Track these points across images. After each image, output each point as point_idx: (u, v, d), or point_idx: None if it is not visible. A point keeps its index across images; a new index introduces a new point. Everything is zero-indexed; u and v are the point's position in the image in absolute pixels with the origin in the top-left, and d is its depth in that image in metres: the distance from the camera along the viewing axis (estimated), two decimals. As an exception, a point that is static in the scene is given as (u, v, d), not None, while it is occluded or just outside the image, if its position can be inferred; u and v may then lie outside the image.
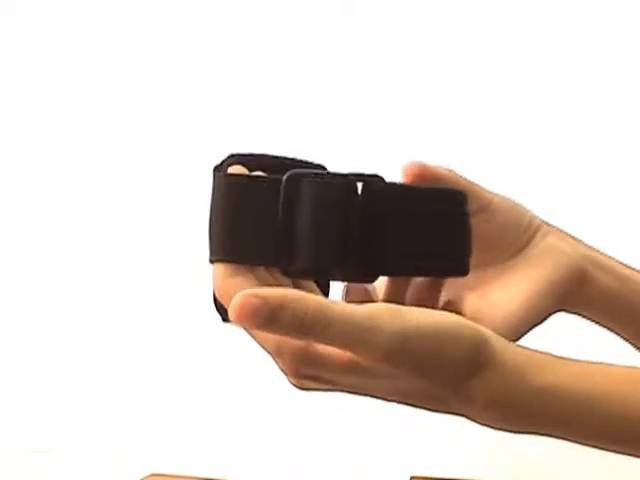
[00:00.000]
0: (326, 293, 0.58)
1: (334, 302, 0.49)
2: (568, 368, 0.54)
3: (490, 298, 0.60)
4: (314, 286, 0.57)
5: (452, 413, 0.53)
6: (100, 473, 1.68)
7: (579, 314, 0.64)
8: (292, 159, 0.58)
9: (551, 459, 1.50)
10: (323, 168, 0.59)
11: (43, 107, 1.73)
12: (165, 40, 1.70)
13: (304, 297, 0.48)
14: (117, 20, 1.72)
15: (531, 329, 0.60)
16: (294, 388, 0.56)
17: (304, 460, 1.62)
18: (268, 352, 0.53)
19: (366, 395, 0.54)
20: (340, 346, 0.49)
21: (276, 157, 0.58)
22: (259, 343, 0.54)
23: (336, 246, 0.53)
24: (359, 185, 0.54)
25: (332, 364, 0.51)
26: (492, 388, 0.52)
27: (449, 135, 1.59)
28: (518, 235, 0.62)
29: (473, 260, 0.60)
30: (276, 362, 0.54)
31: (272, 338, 0.51)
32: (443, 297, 0.61)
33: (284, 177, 0.53)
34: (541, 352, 0.54)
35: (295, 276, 0.55)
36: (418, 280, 0.60)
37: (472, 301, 0.60)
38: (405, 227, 0.54)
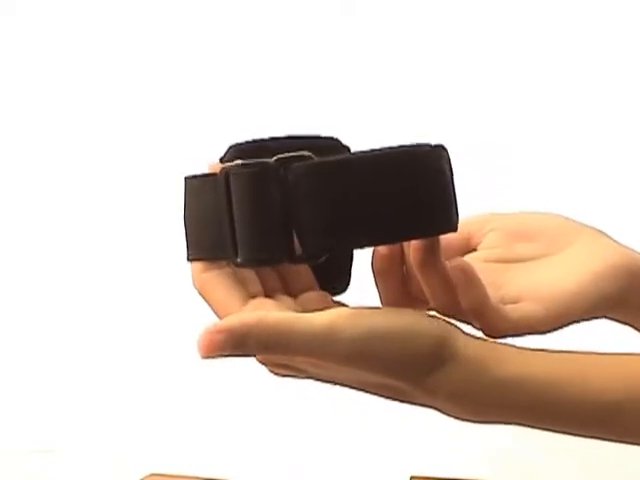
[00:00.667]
0: (323, 271, 0.58)
1: (294, 317, 0.51)
2: (528, 357, 0.55)
3: (543, 278, 0.59)
4: (303, 269, 0.58)
5: (417, 404, 0.54)
6: (100, 473, 1.68)
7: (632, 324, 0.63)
8: (292, 136, 0.59)
9: (551, 459, 1.50)
10: (333, 139, 0.59)
11: (43, 107, 1.73)
12: (165, 41, 1.70)
13: (263, 320, 0.51)
14: (117, 20, 1.72)
15: (585, 316, 0.58)
16: (273, 376, 0.57)
17: (304, 460, 1.63)
18: None
19: (335, 384, 0.55)
20: (304, 357, 0.51)
21: (276, 138, 0.58)
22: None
23: (268, 234, 0.54)
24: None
25: (300, 360, 0.52)
26: (453, 381, 0.52)
27: (449, 134, 1.59)
28: (566, 232, 0.61)
29: (526, 250, 0.60)
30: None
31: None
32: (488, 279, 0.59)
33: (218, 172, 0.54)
34: (504, 344, 0.55)
35: (243, 266, 0.55)
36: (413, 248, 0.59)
37: (522, 281, 0.59)
38: (337, 202, 0.52)
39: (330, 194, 0.52)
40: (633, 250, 0.61)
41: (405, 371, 0.52)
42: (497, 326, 0.55)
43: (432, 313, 0.55)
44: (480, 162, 1.55)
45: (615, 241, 0.61)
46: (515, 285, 0.58)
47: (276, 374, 0.57)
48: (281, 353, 0.51)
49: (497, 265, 0.60)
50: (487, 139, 1.59)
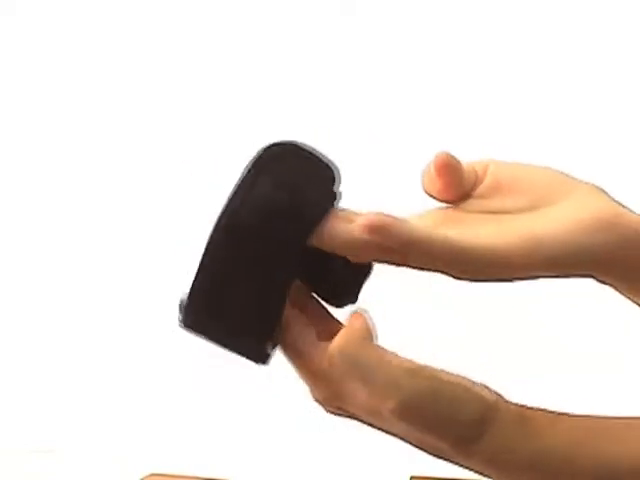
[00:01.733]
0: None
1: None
2: (557, 429, 0.55)
3: (524, 225, 0.57)
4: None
5: (456, 463, 0.56)
6: (100, 473, 1.68)
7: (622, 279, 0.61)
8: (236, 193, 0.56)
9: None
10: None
11: (43, 107, 1.73)
12: (165, 41, 1.70)
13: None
14: (117, 20, 1.72)
15: (566, 269, 0.57)
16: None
17: (304, 460, 1.63)
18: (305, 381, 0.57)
19: (382, 431, 0.58)
20: None
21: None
22: (300, 373, 0.57)
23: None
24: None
25: (355, 410, 0.55)
26: (491, 447, 0.55)
27: (449, 134, 1.59)
28: (560, 186, 0.60)
29: (515, 202, 0.59)
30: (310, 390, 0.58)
31: (310, 376, 0.56)
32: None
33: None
34: (536, 409, 0.56)
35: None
36: None
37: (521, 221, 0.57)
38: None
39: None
40: (629, 209, 0.60)
41: (450, 433, 0.55)
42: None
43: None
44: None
45: (611, 198, 0.60)
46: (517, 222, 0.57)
47: (330, 412, 0.59)
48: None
49: (482, 216, 0.58)
50: (487, 139, 1.59)
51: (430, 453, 0.58)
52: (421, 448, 0.57)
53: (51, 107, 1.73)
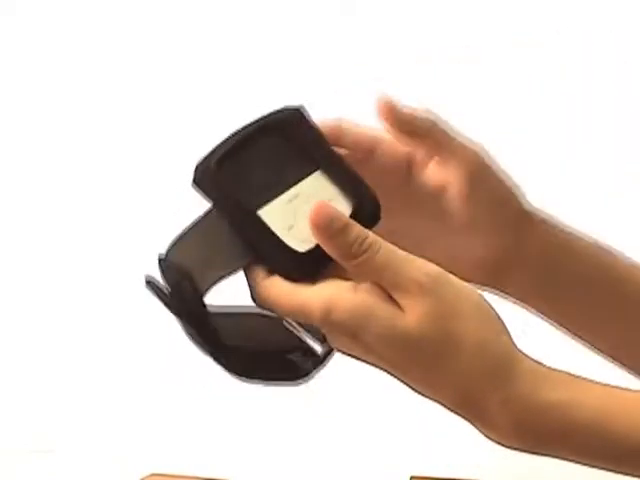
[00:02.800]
0: None
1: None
2: (576, 385, 0.55)
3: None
4: None
5: (459, 411, 0.54)
6: (100, 473, 1.68)
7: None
8: (232, 134, 0.64)
9: (551, 459, 1.50)
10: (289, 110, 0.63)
11: (43, 107, 1.73)
12: (165, 41, 1.70)
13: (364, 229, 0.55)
14: (117, 20, 1.72)
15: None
16: (340, 352, 0.58)
17: (304, 460, 1.63)
18: (314, 318, 0.55)
19: (393, 375, 0.56)
20: (382, 272, 0.53)
21: (226, 138, 0.64)
22: (305, 311, 0.55)
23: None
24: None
25: (375, 319, 0.53)
26: (510, 395, 0.53)
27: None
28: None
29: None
30: (309, 322, 0.56)
31: (323, 296, 0.54)
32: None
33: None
34: (554, 369, 0.55)
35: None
36: None
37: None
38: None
39: None
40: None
41: (479, 332, 0.53)
42: None
43: None
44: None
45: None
46: None
47: (337, 348, 0.58)
48: (366, 257, 0.53)
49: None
50: (487, 139, 1.59)
51: (449, 408, 0.55)
52: (436, 399, 0.55)
53: (51, 107, 1.73)
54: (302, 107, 0.62)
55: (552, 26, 1.59)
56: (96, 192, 1.72)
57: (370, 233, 0.54)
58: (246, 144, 0.61)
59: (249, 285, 0.58)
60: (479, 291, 0.55)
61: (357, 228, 0.54)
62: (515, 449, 0.55)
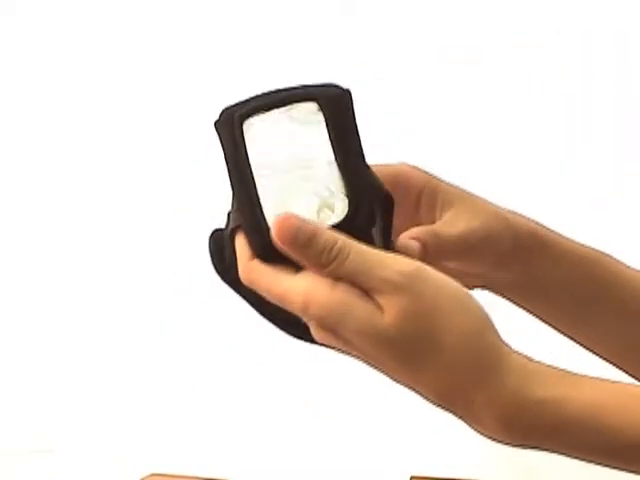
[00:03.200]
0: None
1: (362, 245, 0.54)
2: (568, 381, 0.54)
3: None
4: None
5: (444, 405, 0.54)
6: (100, 473, 1.68)
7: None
8: (274, 91, 0.63)
9: (552, 459, 1.50)
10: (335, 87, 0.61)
11: (43, 107, 1.73)
12: (165, 41, 1.70)
13: (335, 233, 0.54)
14: (117, 19, 1.72)
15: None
16: (320, 345, 0.57)
17: (304, 460, 1.62)
18: (293, 309, 0.55)
19: (375, 367, 0.56)
20: (353, 280, 0.52)
21: (267, 94, 0.63)
22: (285, 301, 0.55)
23: None
24: None
25: (352, 318, 0.52)
26: (494, 391, 0.53)
27: (447, 136, 1.59)
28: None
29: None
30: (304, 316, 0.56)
31: (301, 290, 0.53)
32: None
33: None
34: (540, 363, 0.55)
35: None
36: None
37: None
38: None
39: None
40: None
41: (458, 325, 0.52)
42: None
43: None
44: (480, 164, 1.55)
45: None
46: None
47: (321, 342, 0.57)
48: (336, 265, 0.52)
49: None
50: (487, 140, 1.59)
51: (432, 401, 0.55)
52: (420, 393, 0.55)
53: (51, 107, 1.73)
54: (349, 90, 0.60)
55: (552, 26, 1.59)
56: (96, 192, 1.72)
57: (340, 239, 0.53)
58: (282, 104, 0.60)
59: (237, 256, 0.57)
60: (463, 288, 0.54)
61: (324, 236, 0.53)
62: (505, 443, 0.55)
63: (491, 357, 0.53)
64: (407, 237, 0.60)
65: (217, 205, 0.63)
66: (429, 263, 0.57)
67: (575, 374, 0.55)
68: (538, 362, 0.54)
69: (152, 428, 1.67)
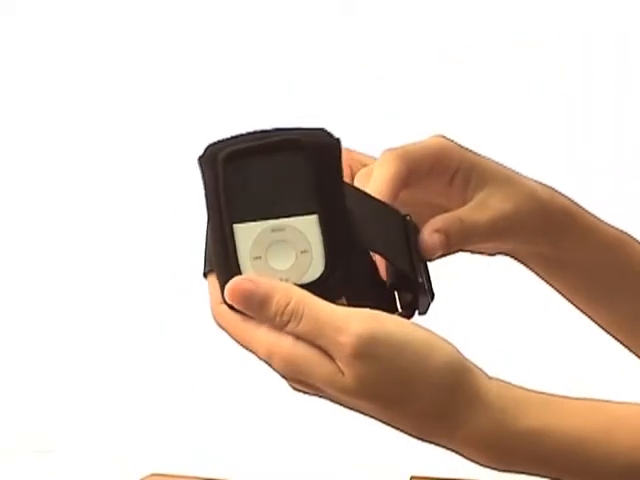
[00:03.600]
0: None
1: (320, 300, 0.52)
2: (553, 409, 0.54)
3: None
4: None
5: (437, 444, 0.54)
6: (100, 473, 1.68)
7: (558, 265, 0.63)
8: (263, 131, 0.59)
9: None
10: (323, 130, 0.59)
11: (43, 107, 1.73)
12: (165, 41, 1.70)
13: (290, 290, 0.52)
14: (117, 20, 1.72)
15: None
16: (292, 390, 0.57)
17: (304, 460, 1.63)
18: (259, 357, 0.54)
19: (352, 410, 0.55)
20: (311, 341, 0.51)
21: (249, 133, 0.59)
22: (250, 349, 0.54)
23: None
24: None
25: (314, 376, 0.52)
26: (475, 426, 0.52)
27: (449, 134, 1.59)
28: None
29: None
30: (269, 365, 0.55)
31: (264, 343, 0.53)
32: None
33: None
34: (523, 390, 0.54)
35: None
36: None
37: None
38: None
39: None
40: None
41: (424, 384, 0.51)
42: None
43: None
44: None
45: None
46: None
47: (294, 389, 0.56)
48: (290, 329, 0.51)
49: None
50: (487, 139, 1.59)
51: (410, 431, 0.54)
52: (398, 425, 0.54)
53: (51, 107, 1.73)
54: (339, 140, 0.57)
55: (552, 26, 1.59)
56: (96, 193, 1.72)
57: (292, 300, 0.51)
58: (267, 150, 0.57)
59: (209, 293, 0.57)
60: (428, 335, 0.53)
61: (275, 300, 0.52)
62: (493, 469, 0.55)
63: (466, 398, 0.52)
64: (430, 231, 0.58)
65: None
66: (454, 251, 0.58)
67: (558, 399, 0.54)
68: (520, 388, 0.54)
69: (152, 428, 1.67)
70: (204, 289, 0.59)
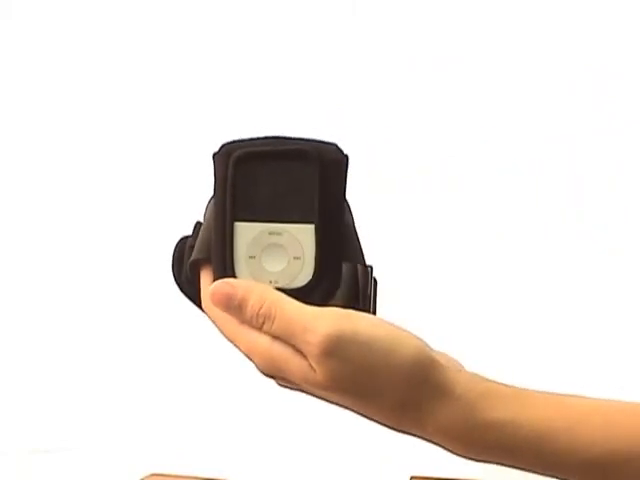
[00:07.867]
0: None
1: (292, 301, 0.55)
2: (522, 402, 0.54)
3: None
4: None
5: (404, 431, 0.55)
6: (100, 473, 1.68)
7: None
8: (278, 137, 0.61)
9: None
10: (312, 141, 0.61)
11: (43, 108, 1.73)
12: (166, 42, 1.70)
13: (264, 293, 0.55)
14: (116, 22, 1.72)
15: None
16: (277, 385, 0.60)
17: (304, 460, 1.63)
18: (242, 353, 0.58)
19: (331, 403, 0.58)
20: (285, 340, 0.54)
21: (265, 138, 0.61)
22: (235, 344, 0.58)
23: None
24: None
25: (289, 372, 0.55)
26: (443, 417, 0.54)
27: (449, 136, 1.59)
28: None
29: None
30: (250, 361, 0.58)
31: (244, 340, 0.56)
32: None
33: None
34: (495, 382, 0.55)
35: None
36: None
37: None
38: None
39: None
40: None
41: (388, 378, 0.53)
42: None
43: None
44: (480, 165, 1.55)
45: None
46: None
47: (280, 385, 0.59)
48: (265, 329, 0.54)
49: None
50: (487, 140, 1.59)
51: (385, 421, 0.57)
52: (371, 415, 0.57)
53: (51, 108, 1.73)
54: (348, 157, 0.60)
55: (552, 27, 1.60)
56: (96, 193, 1.72)
57: (265, 303, 0.55)
58: (279, 156, 0.59)
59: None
60: (395, 330, 0.54)
61: (250, 303, 0.55)
62: (470, 459, 0.56)
63: (431, 391, 0.54)
64: None
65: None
66: None
67: (528, 392, 0.55)
68: (491, 381, 0.55)
69: (152, 428, 1.67)
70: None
